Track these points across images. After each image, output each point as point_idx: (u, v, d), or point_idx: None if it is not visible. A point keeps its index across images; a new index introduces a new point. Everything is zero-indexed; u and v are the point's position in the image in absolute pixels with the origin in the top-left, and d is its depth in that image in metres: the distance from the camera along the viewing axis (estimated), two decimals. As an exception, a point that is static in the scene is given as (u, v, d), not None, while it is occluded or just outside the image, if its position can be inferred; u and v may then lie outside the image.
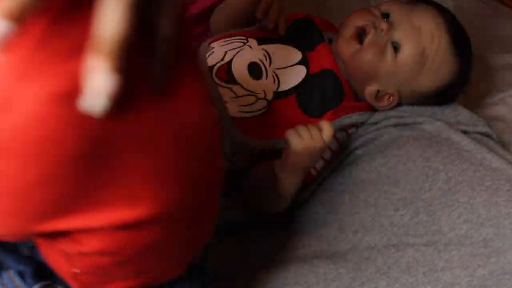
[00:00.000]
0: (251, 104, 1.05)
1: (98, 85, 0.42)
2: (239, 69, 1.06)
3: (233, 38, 1.10)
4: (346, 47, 1.08)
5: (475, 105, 1.33)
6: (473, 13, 1.54)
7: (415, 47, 1.07)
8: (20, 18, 0.39)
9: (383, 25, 1.06)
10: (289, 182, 0.98)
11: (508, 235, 0.92)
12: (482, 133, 1.11)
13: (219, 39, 1.11)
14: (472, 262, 0.91)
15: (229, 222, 1.05)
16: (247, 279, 0.95)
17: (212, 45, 1.10)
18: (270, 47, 1.08)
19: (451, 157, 1.02)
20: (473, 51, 1.16)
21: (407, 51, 1.07)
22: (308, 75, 1.07)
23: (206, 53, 1.09)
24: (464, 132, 1.09)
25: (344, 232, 1.01)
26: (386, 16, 1.09)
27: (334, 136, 1.07)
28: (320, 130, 0.95)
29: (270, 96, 1.05)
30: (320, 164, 1.08)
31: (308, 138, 0.93)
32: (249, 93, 1.05)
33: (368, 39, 1.06)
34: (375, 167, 1.06)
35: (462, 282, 0.90)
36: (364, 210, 1.02)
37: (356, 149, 1.10)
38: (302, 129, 0.94)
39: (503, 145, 1.12)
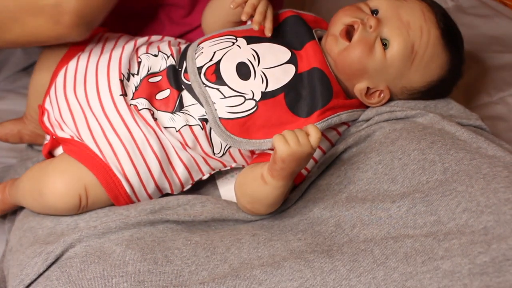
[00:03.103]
0: (239, 104, 1.05)
1: None
2: (228, 69, 1.07)
3: (222, 38, 1.11)
4: (335, 44, 1.08)
5: (475, 104, 1.33)
6: (473, 13, 1.55)
7: (404, 42, 1.07)
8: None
9: (372, 22, 1.06)
10: (278, 186, 0.98)
11: (508, 221, 0.90)
12: (475, 126, 1.09)
13: (209, 39, 1.12)
14: (473, 250, 0.88)
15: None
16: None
17: (202, 45, 1.11)
18: (259, 47, 1.08)
19: (446, 147, 1.01)
20: (464, 45, 1.16)
21: (396, 47, 1.07)
22: (296, 74, 1.07)
23: (195, 53, 1.10)
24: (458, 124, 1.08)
25: (341, 227, 1.00)
26: (375, 12, 1.10)
27: (324, 136, 1.08)
28: (308, 134, 0.94)
29: (258, 96, 1.05)
30: (311, 164, 1.08)
31: (295, 144, 0.92)
32: (237, 93, 1.05)
33: (356, 36, 1.06)
34: (370, 165, 1.05)
35: (463, 270, 0.88)
36: (361, 205, 1.01)
37: (349, 147, 1.09)
38: (288, 135, 0.93)
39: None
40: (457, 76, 1.14)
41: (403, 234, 0.95)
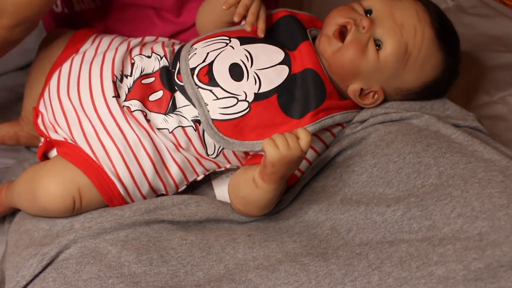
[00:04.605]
0: (232, 106, 1.04)
1: None
2: (220, 70, 1.06)
3: (216, 38, 1.11)
4: (328, 45, 1.08)
5: (475, 104, 1.32)
6: (473, 13, 1.54)
7: (398, 43, 1.06)
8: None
9: (365, 22, 1.05)
10: (270, 189, 0.98)
11: (503, 227, 0.89)
12: (472, 128, 1.09)
13: (203, 39, 1.12)
14: (467, 256, 0.88)
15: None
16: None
17: (195, 46, 1.11)
18: (252, 47, 1.08)
19: (442, 150, 1.00)
20: (463, 45, 1.15)
21: (389, 48, 1.06)
22: (290, 75, 1.06)
23: (189, 54, 1.09)
24: (454, 126, 1.07)
25: (336, 230, 1.00)
26: (368, 12, 1.09)
27: (318, 137, 1.07)
28: (298, 137, 0.93)
29: (251, 97, 1.04)
30: (304, 165, 1.07)
31: (284, 148, 0.91)
32: (229, 95, 1.05)
33: (349, 37, 1.06)
34: (365, 168, 1.04)
35: (457, 276, 0.87)
36: (356, 208, 1.00)
37: (344, 149, 1.09)
38: (278, 139, 0.92)
39: (504, 144, 1.09)
40: (453, 76, 1.13)
41: (398, 239, 0.94)
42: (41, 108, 1.10)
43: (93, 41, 1.15)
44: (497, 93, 1.35)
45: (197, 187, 1.14)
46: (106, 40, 1.15)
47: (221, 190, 1.13)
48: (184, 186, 1.10)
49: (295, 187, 1.08)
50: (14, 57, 1.43)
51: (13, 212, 1.14)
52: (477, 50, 1.42)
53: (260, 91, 1.05)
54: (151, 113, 1.06)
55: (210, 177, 1.15)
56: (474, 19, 1.51)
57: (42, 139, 1.11)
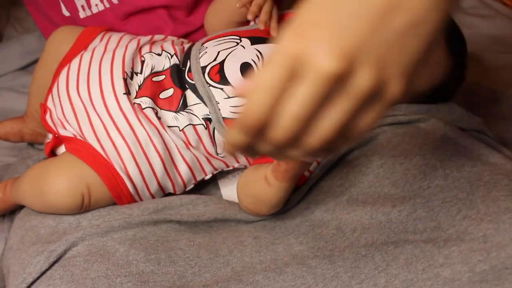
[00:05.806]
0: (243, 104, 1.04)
1: None
2: (232, 69, 1.06)
3: (226, 37, 1.10)
4: None
5: (475, 104, 1.33)
6: (473, 13, 1.55)
7: None
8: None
9: None
10: (282, 187, 0.98)
11: (508, 230, 0.90)
12: (477, 131, 1.10)
13: (213, 38, 1.11)
14: (472, 258, 0.89)
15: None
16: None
17: (206, 44, 1.10)
18: (263, 47, 1.08)
19: (448, 153, 1.01)
20: (467, 50, 1.16)
21: None
22: None
23: (199, 53, 1.09)
24: (460, 129, 1.08)
25: (342, 230, 1.00)
26: None
27: None
28: None
29: None
30: (313, 166, 1.08)
31: None
32: None
33: None
34: (372, 168, 1.05)
35: (463, 277, 0.88)
36: (362, 208, 1.01)
37: (352, 150, 1.09)
38: None
39: (504, 144, 1.11)
40: (460, 80, 1.15)
41: (403, 239, 0.95)
42: (49, 104, 1.09)
43: (101, 38, 1.13)
44: (497, 93, 1.36)
45: (203, 186, 1.14)
46: (115, 37, 1.14)
47: (228, 190, 1.13)
48: (192, 185, 1.10)
49: (303, 187, 1.08)
50: (15, 58, 1.43)
51: (13, 210, 1.13)
52: (477, 50, 1.43)
53: None
54: (162, 110, 1.06)
55: (216, 177, 1.15)
56: (474, 20, 1.52)
57: (50, 136, 1.10)
